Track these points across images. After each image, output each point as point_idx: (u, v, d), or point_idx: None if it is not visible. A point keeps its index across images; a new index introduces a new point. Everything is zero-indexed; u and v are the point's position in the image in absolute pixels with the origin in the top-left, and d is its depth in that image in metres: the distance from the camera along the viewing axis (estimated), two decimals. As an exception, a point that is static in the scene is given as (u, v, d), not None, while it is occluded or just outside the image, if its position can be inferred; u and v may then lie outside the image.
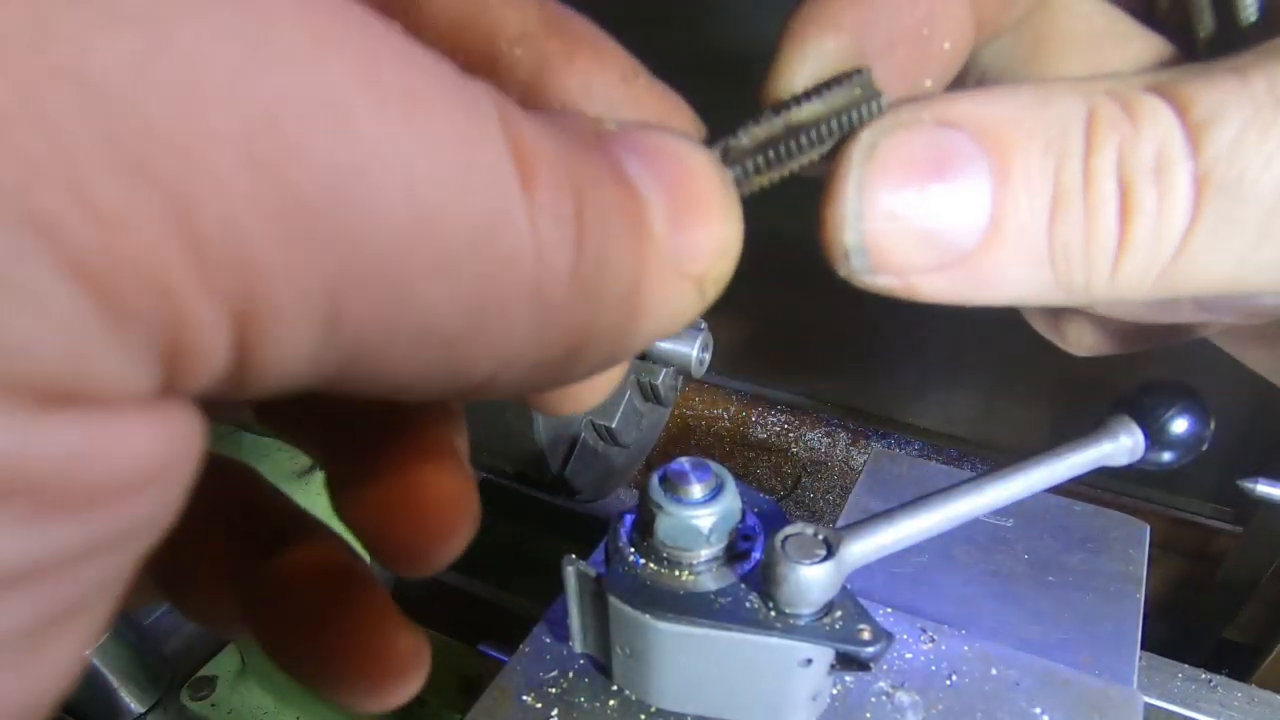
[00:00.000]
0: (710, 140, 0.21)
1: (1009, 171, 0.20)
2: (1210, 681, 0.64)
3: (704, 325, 0.68)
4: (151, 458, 0.12)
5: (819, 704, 0.46)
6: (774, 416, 1.11)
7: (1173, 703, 0.63)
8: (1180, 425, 0.34)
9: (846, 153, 0.21)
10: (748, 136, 0.21)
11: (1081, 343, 0.32)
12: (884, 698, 0.48)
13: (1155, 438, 0.34)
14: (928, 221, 0.21)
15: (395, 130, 0.12)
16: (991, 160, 0.21)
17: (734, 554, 0.44)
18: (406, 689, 0.23)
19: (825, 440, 1.09)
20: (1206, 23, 0.24)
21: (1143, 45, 0.26)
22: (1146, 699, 0.52)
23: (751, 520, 0.46)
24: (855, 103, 0.21)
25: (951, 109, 0.21)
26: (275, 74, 0.11)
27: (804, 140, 0.21)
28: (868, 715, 0.47)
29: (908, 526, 0.39)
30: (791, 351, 1.05)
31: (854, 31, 0.23)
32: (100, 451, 0.11)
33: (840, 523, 0.56)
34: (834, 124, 0.21)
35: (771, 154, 0.21)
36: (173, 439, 0.12)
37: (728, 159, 0.21)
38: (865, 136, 0.21)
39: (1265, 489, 0.78)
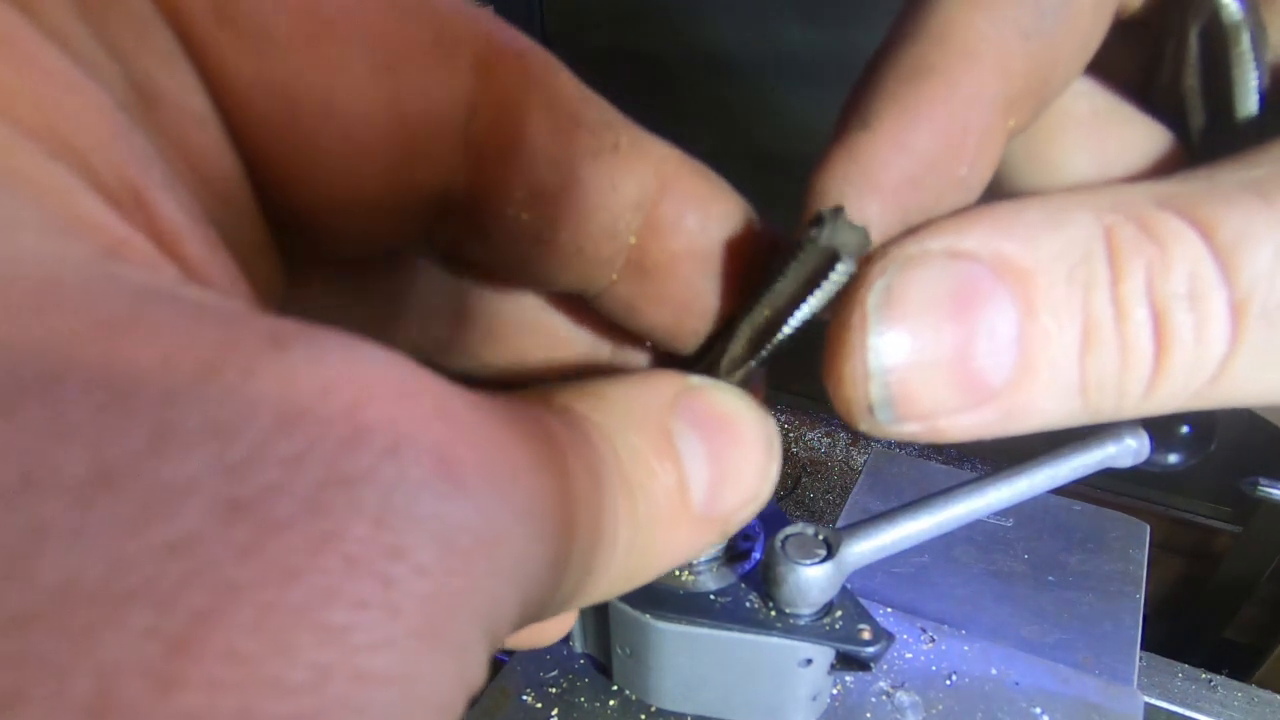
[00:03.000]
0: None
1: (1034, 304, 0.19)
2: (1210, 681, 0.64)
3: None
4: None
5: (819, 704, 0.45)
6: (774, 416, 1.11)
7: (1173, 703, 0.63)
8: (1186, 426, 0.33)
9: (857, 299, 0.20)
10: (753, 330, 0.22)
11: None
12: (884, 698, 0.48)
13: (1161, 439, 0.34)
14: (956, 363, 0.20)
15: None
16: (1015, 292, 0.19)
17: (734, 554, 0.44)
18: None
19: (825, 440, 1.09)
20: (1199, 115, 0.24)
21: (1143, 129, 0.25)
22: (1146, 699, 0.52)
23: (751, 520, 0.45)
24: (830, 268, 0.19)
25: (962, 239, 0.19)
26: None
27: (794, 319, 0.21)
28: (868, 715, 0.47)
29: (908, 526, 0.39)
30: (791, 351, 1.05)
31: (898, 193, 0.20)
32: None
33: (840, 523, 0.56)
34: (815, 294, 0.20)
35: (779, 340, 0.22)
36: None
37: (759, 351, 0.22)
38: (877, 280, 0.19)
39: (1265, 489, 0.78)
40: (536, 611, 0.16)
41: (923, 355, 0.19)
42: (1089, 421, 0.21)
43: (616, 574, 0.18)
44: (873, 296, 0.19)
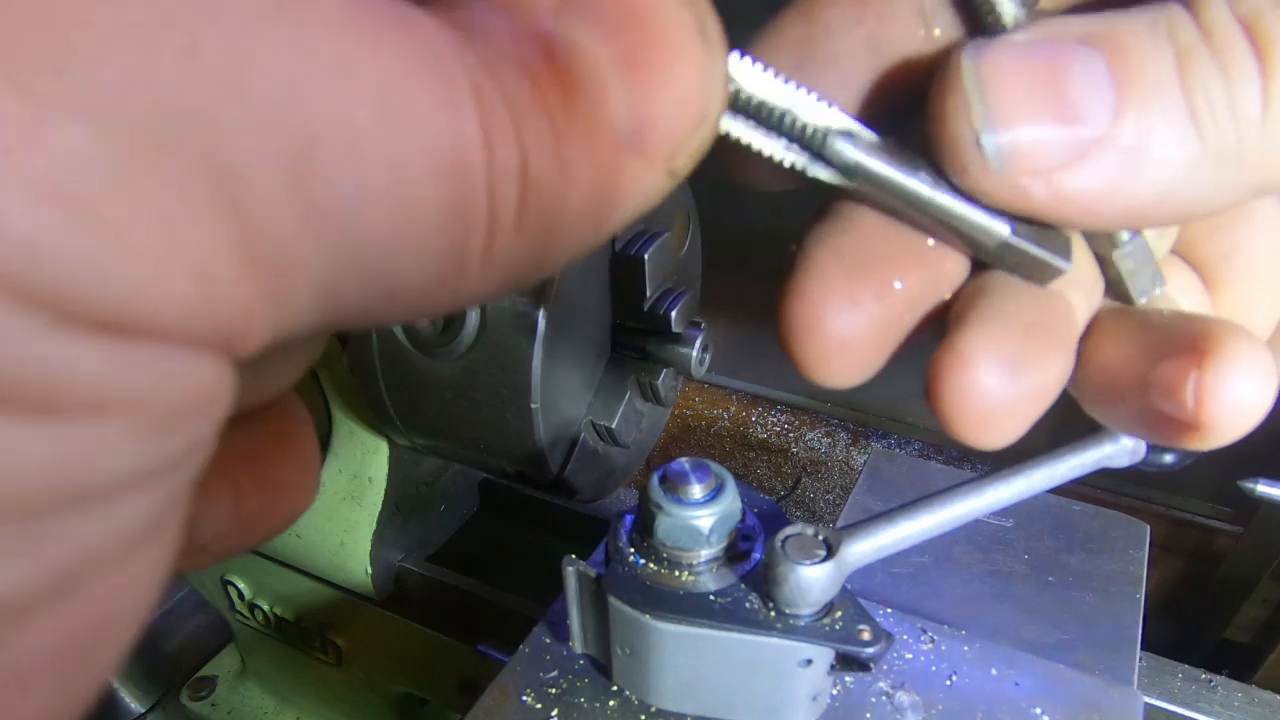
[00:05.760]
0: None
1: (1121, 46, 0.20)
2: (1210, 681, 0.64)
3: (704, 325, 0.67)
4: (194, 392, 0.13)
5: (819, 704, 0.46)
6: (774, 416, 1.11)
7: (1173, 703, 0.63)
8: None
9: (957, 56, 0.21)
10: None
11: None
12: (884, 698, 0.48)
13: (1156, 438, 0.34)
14: (1050, 86, 0.20)
15: (400, 150, 0.13)
16: (1100, 46, 0.20)
17: (734, 554, 0.44)
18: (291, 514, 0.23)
19: (825, 440, 1.09)
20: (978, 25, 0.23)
21: None
22: (1146, 699, 0.52)
23: (751, 520, 0.45)
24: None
25: (1039, 29, 0.21)
26: (315, 95, 0.13)
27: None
28: (868, 715, 0.47)
29: (908, 526, 0.39)
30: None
31: None
32: (160, 375, 0.12)
33: (840, 523, 0.56)
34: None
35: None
36: (216, 379, 0.13)
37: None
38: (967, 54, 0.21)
39: (1265, 489, 0.78)
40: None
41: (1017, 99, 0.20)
42: (1215, 179, 0.20)
43: (523, 245, 0.15)
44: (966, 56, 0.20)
